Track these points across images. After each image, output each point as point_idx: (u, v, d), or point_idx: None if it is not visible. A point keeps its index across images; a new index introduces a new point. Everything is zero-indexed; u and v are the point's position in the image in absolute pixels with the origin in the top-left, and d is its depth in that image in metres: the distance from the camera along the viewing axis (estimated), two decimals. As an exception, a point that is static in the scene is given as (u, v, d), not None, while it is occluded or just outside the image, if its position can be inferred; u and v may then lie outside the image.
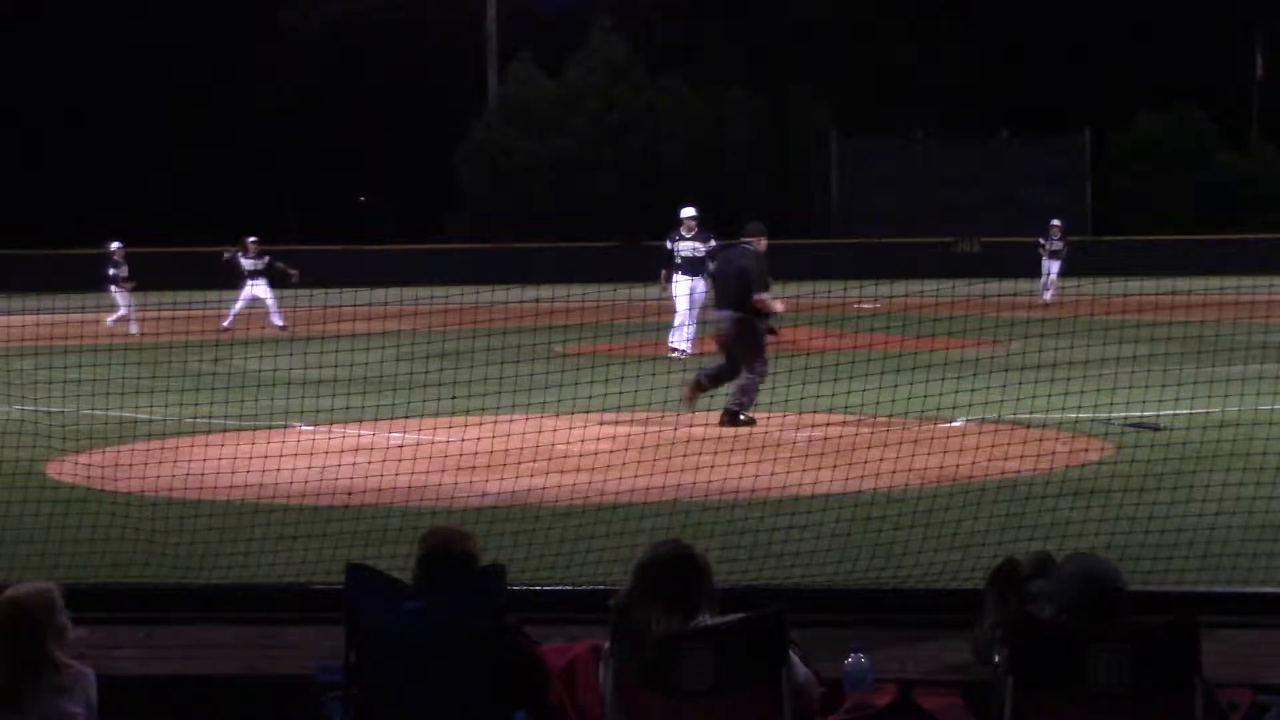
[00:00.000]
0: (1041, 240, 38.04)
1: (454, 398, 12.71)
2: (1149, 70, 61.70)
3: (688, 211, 24.21)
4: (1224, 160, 61.20)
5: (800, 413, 14.22)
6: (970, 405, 14.03)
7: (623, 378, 13.52)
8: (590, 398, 13.74)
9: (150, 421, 15.15)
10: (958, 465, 11.37)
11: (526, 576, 8.07)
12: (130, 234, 59.23)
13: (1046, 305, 32.91)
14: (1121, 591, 5.40)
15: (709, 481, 10.98)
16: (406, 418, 14.62)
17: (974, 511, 9.53)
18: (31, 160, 65.06)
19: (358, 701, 5.64)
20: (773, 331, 16.09)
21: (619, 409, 14.57)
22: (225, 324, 29.23)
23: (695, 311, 23.08)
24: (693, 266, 23.40)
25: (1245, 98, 63.68)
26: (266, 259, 32.11)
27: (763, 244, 16.52)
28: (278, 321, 29.82)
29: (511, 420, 14.93)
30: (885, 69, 64.52)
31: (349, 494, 11.09)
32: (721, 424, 15.18)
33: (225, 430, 14.70)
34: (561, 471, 11.48)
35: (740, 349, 15.72)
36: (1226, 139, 61.84)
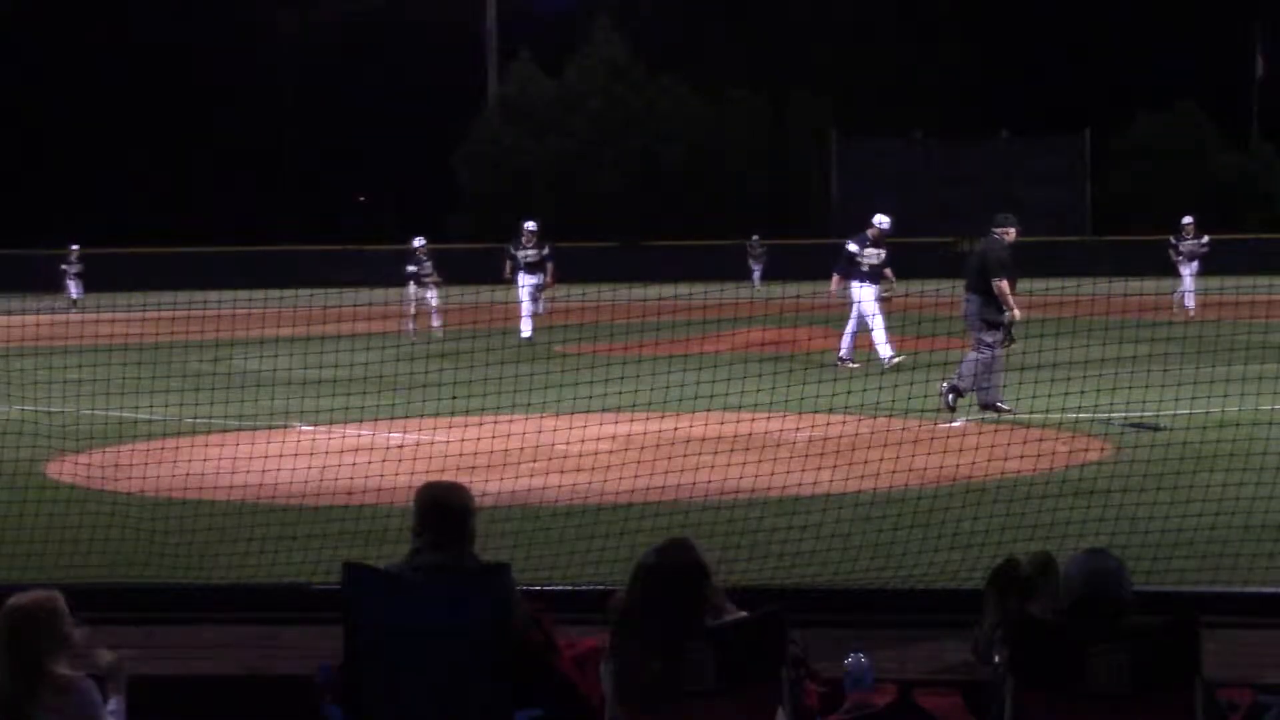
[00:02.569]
0: (1173, 239, 32.89)
1: (454, 398, 12.70)
2: (1149, 70, 61.71)
3: (881, 220, 22.29)
4: (1224, 160, 61.22)
5: (800, 413, 14.22)
6: (970, 405, 14.04)
7: (623, 378, 13.51)
8: (590, 398, 13.73)
9: (150, 421, 15.14)
10: (958, 465, 11.36)
11: (526, 576, 8.05)
12: (130, 234, 59.40)
13: (1189, 316, 28.86)
14: (1124, 591, 5.40)
15: (709, 481, 10.97)
16: (406, 418, 14.61)
17: (974, 511, 9.52)
18: (31, 160, 65.05)
19: (358, 701, 5.63)
20: (1010, 339, 16.28)
21: (619, 409, 14.57)
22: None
23: (882, 317, 21.55)
24: (875, 273, 21.84)
25: (1245, 98, 63.68)
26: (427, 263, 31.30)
27: (1011, 234, 16.85)
28: (436, 322, 29.52)
29: (511, 420, 14.93)
30: (885, 69, 64.56)
31: (349, 494, 11.08)
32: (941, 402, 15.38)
33: (225, 430, 14.69)
34: (561, 471, 11.47)
35: (975, 327, 16.13)
36: (1226, 139, 61.86)
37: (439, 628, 5.53)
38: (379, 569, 5.79)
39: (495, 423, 14.53)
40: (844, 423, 13.79)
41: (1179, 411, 14.35)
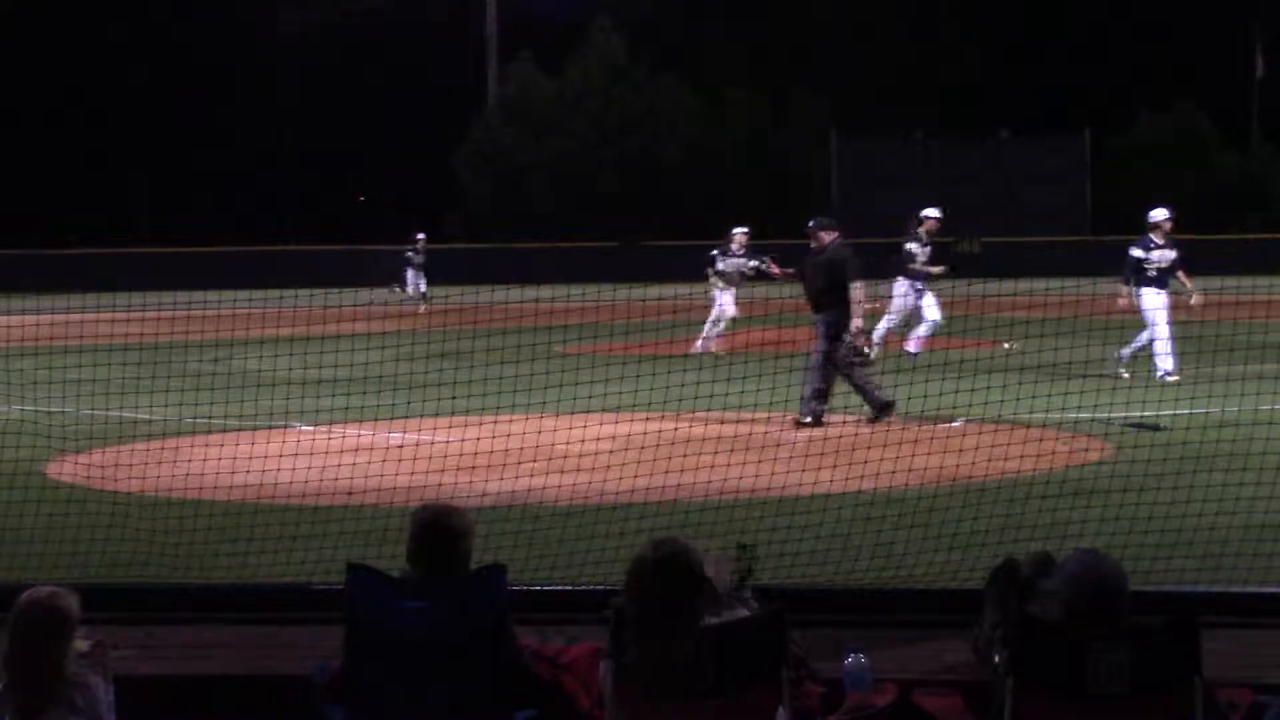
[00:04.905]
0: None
1: (454, 398, 12.70)
2: (1149, 70, 61.73)
3: (1159, 214, 20.61)
4: (1224, 160, 61.22)
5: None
6: (970, 405, 14.03)
7: (623, 378, 13.51)
8: (590, 398, 13.73)
9: (150, 421, 15.14)
10: (958, 465, 11.36)
11: (526, 576, 8.06)
12: (130, 233, 59.34)
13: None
14: (1123, 591, 5.40)
15: (709, 481, 10.98)
16: (406, 418, 14.61)
17: (974, 511, 9.52)
18: (31, 160, 65.04)
19: (357, 702, 5.64)
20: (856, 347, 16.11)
21: (619, 409, 14.56)
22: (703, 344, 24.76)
23: (1172, 326, 19.83)
24: (1163, 277, 20.02)
25: (1245, 98, 63.68)
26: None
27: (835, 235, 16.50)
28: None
29: (511, 420, 14.93)
30: (885, 69, 64.54)
31: (349, 494, 11.08)
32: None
33: (225, 430, 14.69)
34: (561, 471, 11.47)
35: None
36: (1226, 139, 61.85)
37: (439, 628, 5.53)
38: (382, 571, 5.79)
39: (495, 423, 14.53)
40: (844, 423, 13.79)
41: (1179, 411, 14.36)
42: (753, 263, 24.26)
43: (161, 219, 64.58)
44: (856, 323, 15.71)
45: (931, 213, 22.16)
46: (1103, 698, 5.17)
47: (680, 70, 63.81)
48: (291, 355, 14.52)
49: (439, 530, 5.73)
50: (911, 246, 21.92)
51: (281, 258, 54.09)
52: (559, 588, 7.82)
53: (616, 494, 10.70)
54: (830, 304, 15.67)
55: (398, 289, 38.88)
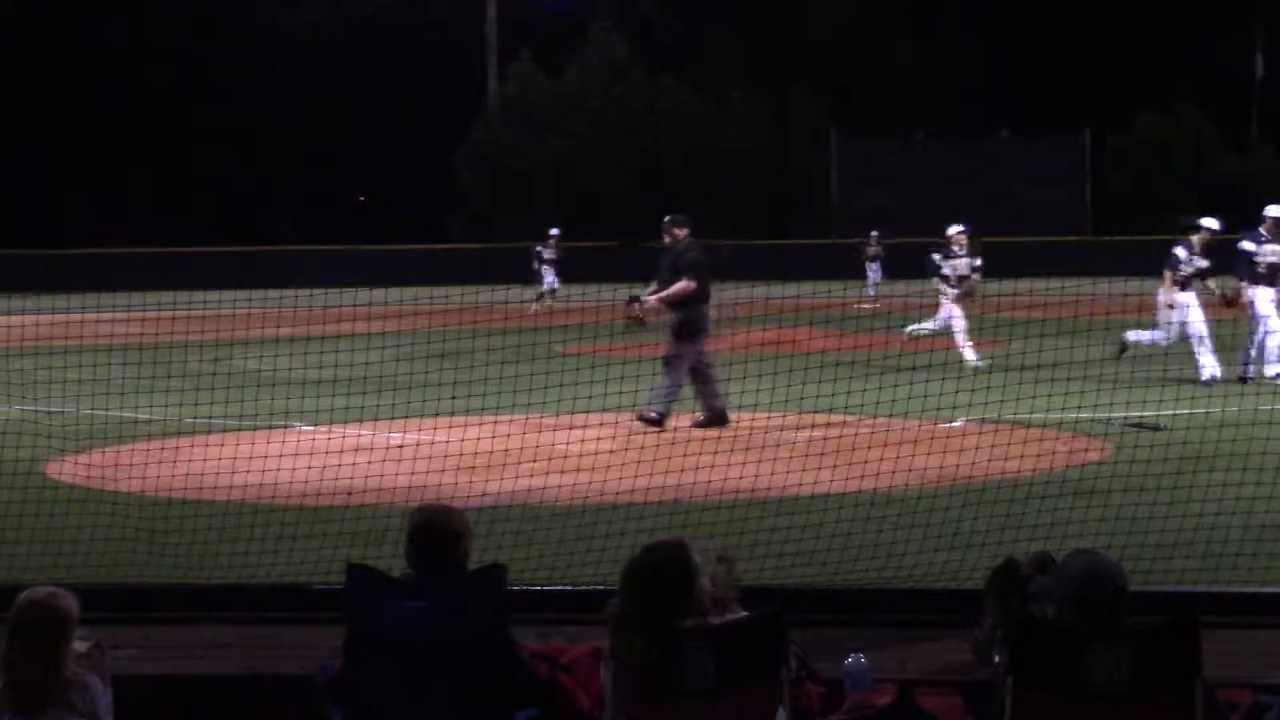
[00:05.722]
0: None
1: (454, 398, 12.70)
2: (1149, 70, 61.71)
3: (1275, 210, 19.80)
4: (1224, 160, 61.19)
5: (800, 413, 14.21)
6: (970, 405, 14.04)
7: (623, 378, 13.51)
8: (590, 398, 13.73)
9: (150, 421, 15.14)
10: (958, 465, 11.36)
11: (526, 576, 8.06)
12: (129, 233, 59.32)
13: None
14: (1123, 591, 5.40)
15: (709, 481, 10.98)
16: (406, 418, 14.61)
17: (974, 511, 9.52)
18: (30, 160, 65.04)
19: (357, 702, 5.64)
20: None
21: (619, 409, 14.57)
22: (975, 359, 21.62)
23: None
24: (1274, 273, 19.45)
25: (1245, 98, 63.69)
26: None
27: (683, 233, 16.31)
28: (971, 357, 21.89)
29: (511, 420, 14.93)
30: (885, 69, 64.54)
31: (349, 494, 11.08)
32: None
33: (225, 430, 14.69)
34: (561, 471, 11.47)
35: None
36: (1226, 139, 61.84)
37: (440, 628, 5.53)
38: (382, 571, 5.79)
39: (495, 423, 14.54)
40: (844, 423, 13.79)
41: (1179, 411, 14.36)
42: (977, 262, 22.63)
43: (161, 219, 64.54)
44: (651, 301, 15.74)
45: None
46: (1103, 698, 5.17)
47: (680, 70, 63.80)
48: (291, 355, 14.52)
49: (437, 531, 5.73)
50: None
51: (282, 258, 54.09)
52: (559, 588, 7.82)
53: (616, 494, 10.70)
54: (678, 303, 15.59)
55: (542, 287, 37.71)
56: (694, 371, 15.58)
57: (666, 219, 16.63)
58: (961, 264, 22.37)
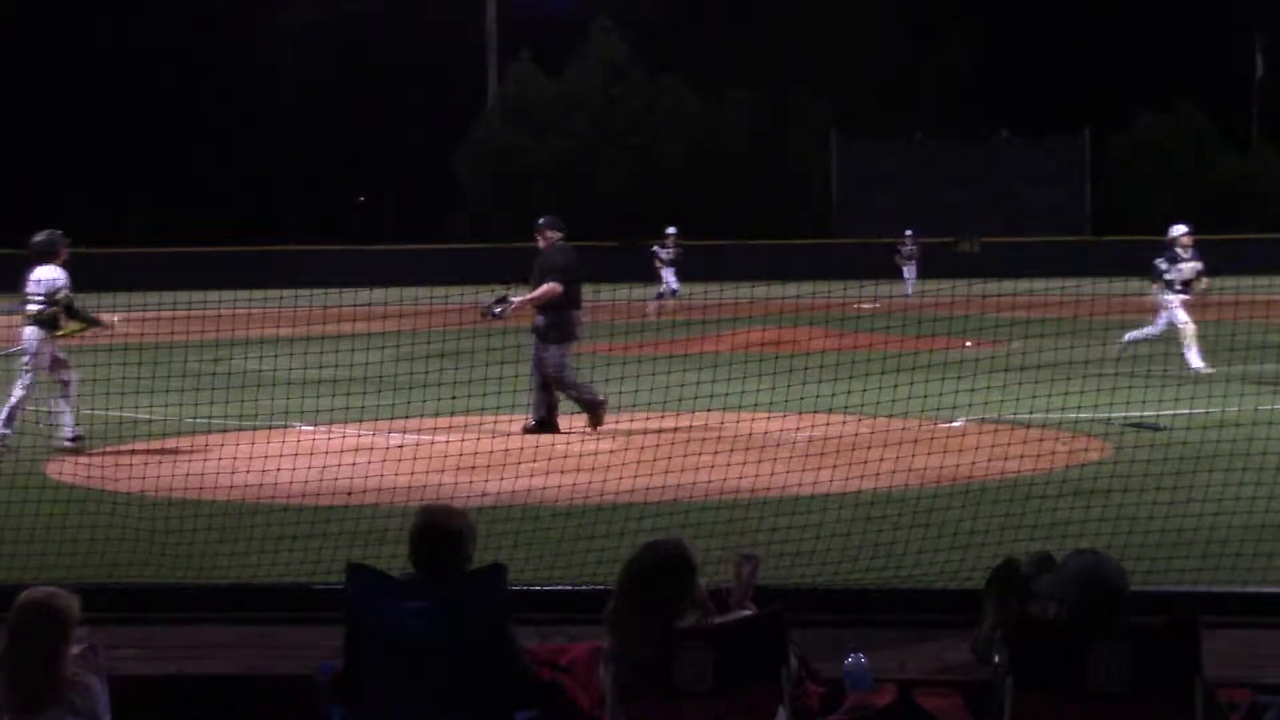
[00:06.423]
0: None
1: (454, 398, 12.70)
2: (1149, 70, 61.74)
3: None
4: (1224, 160, 61.25)
5: (800, 413, 14.21)
6: (970, 405, 14.03)
7: (623, 378, 13.51)
8: (590, 398, 13.72)
9: (150, 421, 15.14)
10: (958, 465, 11.36)
11: (526, 576, 8.06)
12: (130, 233, 59.33)
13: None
14: (1123, 591, 5.40)
15: (709, 481, 10.98)
16: (406, 418, 14.61)
17: (974, 511, 9.52)
18: (31, 160, 65.04)
19: (357, 702, 5.63)
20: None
21: (619, 409, 14.57)
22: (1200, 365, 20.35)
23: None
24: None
25: (1245, 98, 63.72)
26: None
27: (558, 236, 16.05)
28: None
29: (511, 420, 14.93)
30: (885, 69, 64.57)
31: (349, 494, 11.08)
32: None
33: (225, 430, 14.69)
34: (561, 471, 11.46)
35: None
36: (1226, 139, 61.88)
37: (440, 629, 5.53)
38: (382, 571, 5.79)
39: (495, 423, 14.54)
40: (844, 423, 13.78)
41: (1179, 411, 14.36)
42: (1199, 265, 21.17)
43: (161, 219, 64.53)
44: (515, 302, 15.53)
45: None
46: (1103, 698, 5.17)
47: (680, 70, 63.82)
48: (291, 355, 14.52)
49: (439, 531, 5.72)
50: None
51: (282, 257, 54.07)
52: (559, 588, 7.82)
53: (616, 494, 10.70)
54: (545, 306, 15.35)
55: (661, 288, 37.10)
56: (543, 379, 15.26)
57: (540, 220, 16.22)
58: (1188, 267, 20.86)
